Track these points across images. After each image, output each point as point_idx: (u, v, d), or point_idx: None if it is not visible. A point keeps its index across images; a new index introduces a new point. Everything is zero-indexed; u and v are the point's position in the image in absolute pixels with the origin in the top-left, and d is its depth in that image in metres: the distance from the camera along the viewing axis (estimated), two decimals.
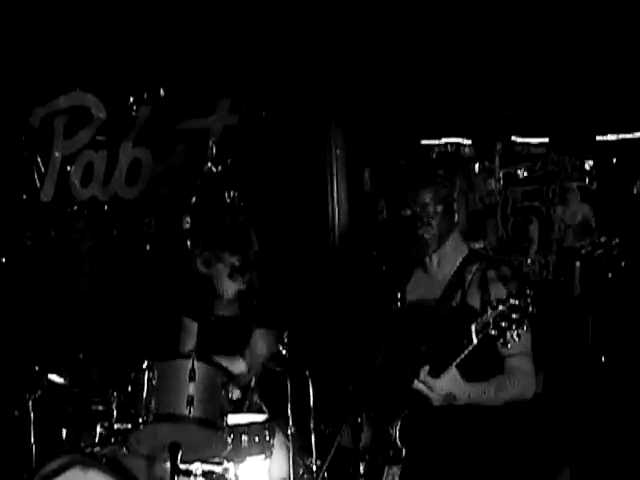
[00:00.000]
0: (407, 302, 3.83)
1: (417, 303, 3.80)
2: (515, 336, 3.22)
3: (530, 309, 3.21)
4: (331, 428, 3.93)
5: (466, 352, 3.33)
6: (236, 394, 5.31)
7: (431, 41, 6.51)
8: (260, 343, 5.64)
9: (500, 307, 3.23)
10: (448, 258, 3.76)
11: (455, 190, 3.73)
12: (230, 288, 5.70)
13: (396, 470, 3.60)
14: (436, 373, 3.37)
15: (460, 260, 3.73)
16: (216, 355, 5.18)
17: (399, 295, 3.82)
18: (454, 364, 3.35)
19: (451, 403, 3.42)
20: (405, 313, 3.80)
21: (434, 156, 6.44)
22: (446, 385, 3.37)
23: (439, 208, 3.71)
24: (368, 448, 3.70)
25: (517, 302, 3.21)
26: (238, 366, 5.41)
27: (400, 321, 3.79)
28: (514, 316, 3.21)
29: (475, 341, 3.29)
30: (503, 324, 3.22)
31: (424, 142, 6.66)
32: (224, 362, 5.00)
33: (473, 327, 3.29)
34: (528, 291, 3.23)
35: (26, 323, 6.79)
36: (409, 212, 3.72)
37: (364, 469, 3.68)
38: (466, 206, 3.78)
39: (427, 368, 3.37)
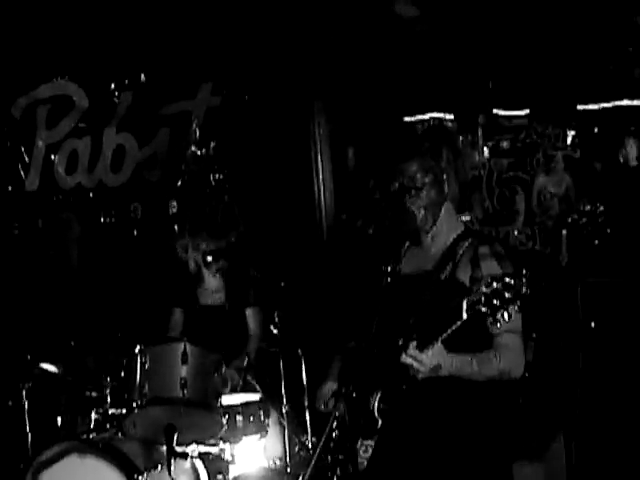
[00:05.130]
0: (400, 275, 3.84)
1: (409, 276, 3.81)
2: (506, 315, 3.21)
3: (524, 290, 3.19)
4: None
5: (454, 327, 3.33)
6: (232, 376, 5.32)
7: (411, 18, 6.51)
8: (252, 323, 5.67)
9: (494, 284, 3.21)
10: (442, 234, 3.76)
11: (442, 160, 3.73)
12: (210, 279, 5.71)
13: (370, 442, 3.61)
14: (423, 346, 3.37)
15: (454, 236, 3.74)
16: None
17: (388, 269, 3.83)
18: (440, 339, 3.35)
19: (435, 374, 3.42)
20: (397, 286, 3.81)
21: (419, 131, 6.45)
22: (433, 359, 3.37)
23: (427, 179, 3.70)
24: (342, 418, 3.72)
25: (512, 281, 3.20)
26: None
27: (392, 295, 3.79)
28: (507, 295, 3.18)
29: (465, 316, 3.28)
30: (495, 302, 3.20)
31: (407, 119, 6.67)
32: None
33: (464, 302, 3.28)
34: (524, 271, 3.22)
35: (17, 313, 6.79)
36: (397, 185, 3.72)
37: (337, 438, 3.70)
38: (456, 178, 3.77)
39: (415, 343, 3.37)
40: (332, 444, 3.69)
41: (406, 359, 3.38)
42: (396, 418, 3.59)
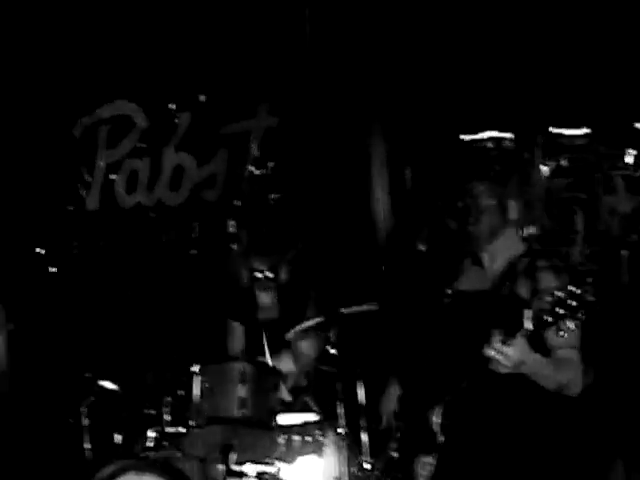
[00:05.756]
0: (460, 293, 3.83)
1: (469, 293, 3.80)
2: (571, 325, 3.16)
3: (589, 297, 3.15)
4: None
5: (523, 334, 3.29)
6: (285, 395, 5.33)
7: (468, 36, 6.50)
8: (305, 343, 5.67)
9: (558, 293, 3.18)
10: (502, 253, 3.75)
11: (510, 185, 3.73)
12: (264, 297, 5.74)
13: (429, 459, 3.59)
14: (505, 341, 3.30)
15: (514, 255, 3.72)
16: (262, 356, 5.22)
17: (449, 291, 3.82)
18: (520, 334, 3.29)
19: (517, 370, 3.36)
20: (455, 304, 3.81)
21: (484, 151, 6.42)
22: (517, 351, 3.31)
23: (491, 202, 3.70)
24: (401, 437, 3.71)
25: (576, 289, 3.16)
26: (286, 364, 5.43)
27: (450, 313, 3.79)
28: (571, 303, 3.15)
29: (530, 326, 3.24)
30: (560, 311, 3.17)
31: (464, 137, 6.65)
32: (272, 361, 5.04)
33: (526, 313, 3.25)
34: (588, 279, 3.18)
35: (77, 331, 6.86)
36: (461, 205, 3.72)
37: (396, 454, 3.69)
38: (521, 203, 3.76)
39: (498, 336, 3.32)
40: (391, 464, 3.68)
41: (490, 351, 3.34)
42: (462, 433, 3.56)
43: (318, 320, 5.03)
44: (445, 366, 3.61)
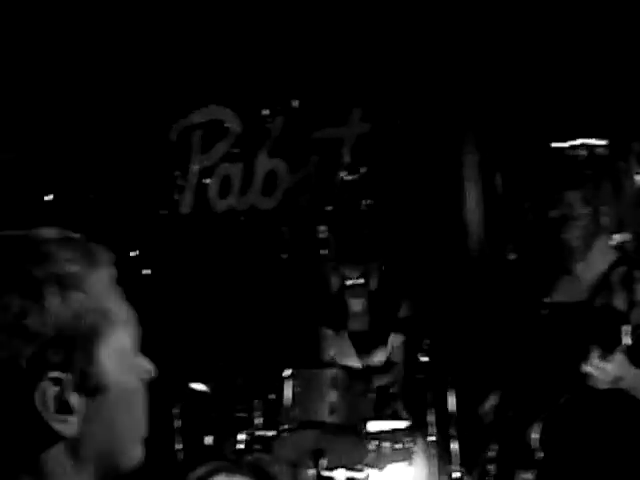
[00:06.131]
0: (554, 305, 3.78)
1: (563, 305, 3.75)
2: None
3: None
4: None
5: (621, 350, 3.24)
6: (379, 381, 5.32)
7: (561, 43, 6.43)
8: (396, 349, 5.67)
9: None
10: (596, 263, 3.70)
11: (603, 191, 3.67)
12: (353, 304, 5.75)
13: (528, 476, 3.55)
14: (604, 357, 3.26)
15: (609, 264, 3.67)
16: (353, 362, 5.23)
17: (545, 300, 3.78)
18: (619, 350, 3.25)
19: (616, 385, 3.32)
20: (552, 315, 3.76)
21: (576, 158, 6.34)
22: (615, 367, 3.27)
23: (586, 210, 3.65)
24: (497, 451, 3.67)
25: None
26: (379, 356, 5.44)
27: (547, 325, 3.74)
28: None
29: (629, 341, 3.20)
30: None
31: (556, 145, 6.57)
32: (366, 359, 5.05)
33: (624, 328, 3.21)
34: None
35: (170, 333, 6.94)
36: (554, 213, 3.68)
37: (494, 471, 3.65)
38: (616, 209, 3.70)
39: (597, 352, 3.28)
40: (487, 478, 3.65)
41: (588, 368, 3.30)
42: (564, 448, 3.52)
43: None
44: (543, 380, 3.57)
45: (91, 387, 1.35)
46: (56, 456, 1.33)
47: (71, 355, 1.32)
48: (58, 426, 1.31)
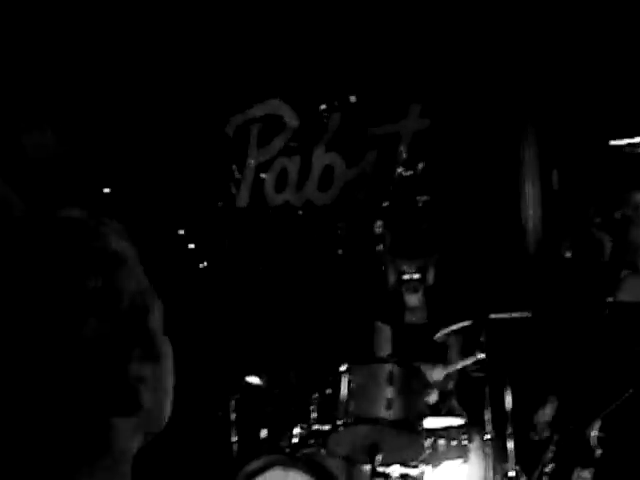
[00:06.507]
0: (617, 303, 3.75)
1: (629, 304, 3.72)
2: None
3: None
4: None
5: None
6: (433, 398, 5.33)
7: (621, 38, 6.35)
8: (452, 345, 5.65)
9: None
10: None
11: None
12: (410, 298, 5.74)
13: (586, 473, 3.53)
14: None
15: None
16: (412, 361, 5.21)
17: (608, 299, 3.75)
18: None
19: None
20: (615, 315, 3.73)
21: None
22: None
23: None
24: (556, 449, 3.65)
25: None
26: (437, 374, 5.42)
27: (610, 324, 3.71)
28: None
29: None
30: None
31: (614, 142, 6.50)
32: (422, 368, 5.03)
33: None
34: None
35: (227, 326, 6.99)
36: (620, 214, 3.65)
37: (551, 469, 3.63)
38: None
39: None
40: (546, 476, 3.63)
41: None
42: (623, 441, 3.50)
43: (466, 323, 5.01)
44: (604, 379, 3.54)
45: (155, 355, 1.38)
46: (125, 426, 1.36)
47: (141, 327, 1.35)
48: (134, 396, 1.34)
